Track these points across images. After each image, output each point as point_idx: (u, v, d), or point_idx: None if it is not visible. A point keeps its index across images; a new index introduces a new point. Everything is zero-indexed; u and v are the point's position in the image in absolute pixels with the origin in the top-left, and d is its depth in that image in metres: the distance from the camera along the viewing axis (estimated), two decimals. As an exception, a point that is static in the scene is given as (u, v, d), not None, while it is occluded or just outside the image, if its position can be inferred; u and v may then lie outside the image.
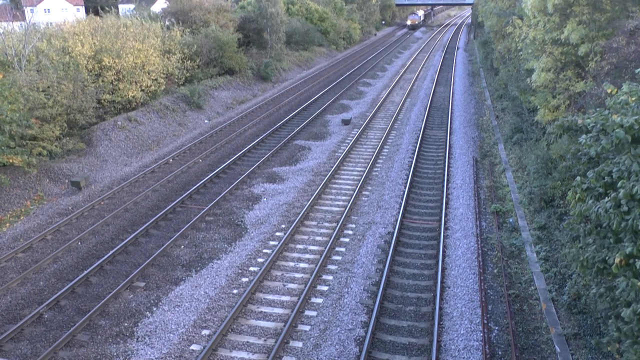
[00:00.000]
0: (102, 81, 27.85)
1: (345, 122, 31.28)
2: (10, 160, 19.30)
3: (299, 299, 13.70)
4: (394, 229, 17.55)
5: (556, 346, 11.69)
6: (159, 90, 31.59)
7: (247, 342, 12.15)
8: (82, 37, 28.46)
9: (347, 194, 20.73)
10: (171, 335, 12.36)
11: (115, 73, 28.54)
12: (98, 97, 26.86)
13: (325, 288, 14.26)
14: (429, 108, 35.34)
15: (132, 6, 58.64)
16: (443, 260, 15.58)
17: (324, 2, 69.50)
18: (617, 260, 7.70)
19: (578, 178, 9.44)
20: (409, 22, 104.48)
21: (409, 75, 49.57)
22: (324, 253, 15.60)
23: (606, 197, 8.28)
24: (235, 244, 16.83)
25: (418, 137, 28.33)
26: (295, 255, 16.05)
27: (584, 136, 8.94)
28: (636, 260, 7.54)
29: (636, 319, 7.33)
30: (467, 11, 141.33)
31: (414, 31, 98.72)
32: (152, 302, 13.67)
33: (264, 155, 25.21)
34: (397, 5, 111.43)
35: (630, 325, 7.58)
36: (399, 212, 18.77)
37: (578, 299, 12.90)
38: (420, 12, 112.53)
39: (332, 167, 23.45)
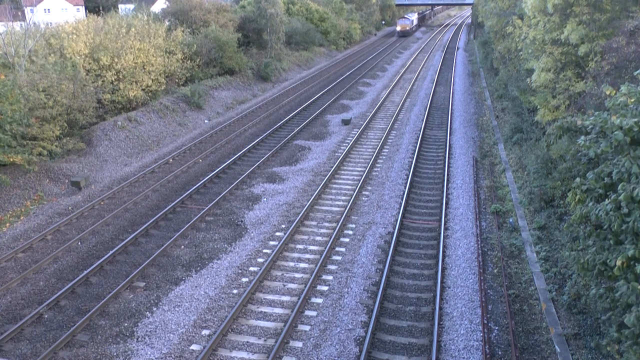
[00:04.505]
0: (103, 81, 27.88)
1: (345, 122, 31.28)
2: (11, 159, 19.31)
3: (299, 299, 13.71)
4: (394, 229, 17.56)
5: (556, 346, 11.70)
6: (159, 90, 31.61)
7: (247, 342, 12.15)
8: (76, 35, 28.38)
9: (347, 194, 20.73)
10: (171, 335, 12.36)
11: (116, 73, 28.56)
12: (98, 97, 26.87)
13: (325, 288, 14.27)
14: (429, 108, 35.34)
15: (132, 6, 58.62)
16: (443, 260, 15.59)
17: (324, 2, 69.50)
18: (618, 262, 7.70)
19: (578, 179, 9.45)
20: (398, 28, 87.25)
21: (409, 75, 49.57)
22: (324, 253, 15.61)
23: (606, 199, 8.28)
24: (235, 244, 16.83)
25: (418, 137, 28.33)
26: (295, 255, 16.05)
27: (582, 138, 8.95)
28: (637, 263, 7.55)
29: (639, 324, 7.33)
30: (467, 11, 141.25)
31: (405, 38, 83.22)
32: (152, 302, 13.68)
33: (264, 155, 25.21)
34: (397, 5, 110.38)
35: (632, 329, 7.59)
36: (399, 212, 18.77)
37: (578, 299, 12.91)
38: (413, 16, 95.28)
39: (332, 167, 23.45)
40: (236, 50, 40.60)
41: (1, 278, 14.86)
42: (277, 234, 17.44)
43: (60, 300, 13.77)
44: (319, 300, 13.71)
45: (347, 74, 49.21)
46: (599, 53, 16.36)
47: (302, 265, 15.49)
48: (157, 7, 64.55)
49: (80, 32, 28.81)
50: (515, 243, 16.52)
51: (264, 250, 16.36)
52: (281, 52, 49.62)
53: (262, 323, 12.84)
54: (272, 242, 16.85)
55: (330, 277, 14.79)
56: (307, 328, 12.61)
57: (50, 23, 35.12)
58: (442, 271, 14.99)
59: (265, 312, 13.26)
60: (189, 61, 35.74)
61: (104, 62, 27.91)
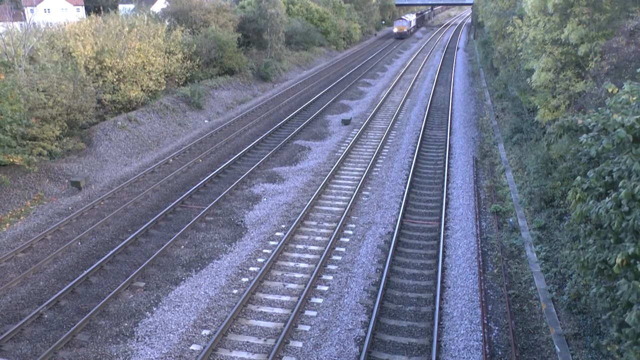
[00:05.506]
0: (103, 81, 27.90)
1: (345, 122, 31.27)
2: (11, 160, 19.31)
3: (299, 299, 13.70)
4: (394, 229, 17.55)
5: (556, 346, 11.69)
6: (159, 90, 31.62)
7: (247, 342, 12.14)
8: (83, 37, 28.48)
9: (347, 194, 20.72)
10: (171, 335, 12.35)
11: (117, 73, 28.57)
12: (99, 97, 26.88)
13: (325, 288, 14.26)
14: (429, 108, 35.33)
15: (132, 6, 58.64)
16: (443, 260, 15.58)
17: (323, 2, 69.50)
18: (618, 260, 7.69)
19: (578, 178, 9.44)
20: (395, 30, 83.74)
21: (409, 75, 49.57)
22: (324, 253, 15.60)
23: (607, 197, 8.27)
24: (235, 244, 16.82)
25: (418, 137, 28.32)
26: (295, 255, 16.05)
27: (584, 135, 8.93)
28: (638, 261, 7.53)
29: None
30: (467, 11, 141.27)
31: (403, 40, 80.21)
32: (152, 302, 13.67)
33: (264, 155, 25.20)
34: (397, 5, 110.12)
35: (633, 328, 7.57)
36: (399, 212, 18.77)
37: (578, 299, 12.90)
38: (411, 17, 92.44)
39: (332, 167, 23.44)
40: (236, 50, 40.61)
41: (1, 278, 14.85)
42: (277, 234, 17.44)
43: (60, 300, 13.76)
44: (319, 300, 13.70)
45: (347, 74, 49.21)
46: (599, 53, 16.36)
47: (302, 265, 15.48)
48: (157, 7, 64.57)
49: (86, 34, 28.84)
50: (515, 243, 16.51)
51: (264, 250, 16.35)
52: (281, 52, 49.61)
53: (262, 323, 12.84)
54: (272, 242, 16.84)
55: (330, 277, 14.78)
56: (307, 328, 12.60)
57: (50, 23, 35.11)
58: (442, 271, 14.98)
59: (265, 312, 13.25)
60: (189, 61, 35.74)
61: (107, 63, 27.96)
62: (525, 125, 25.44)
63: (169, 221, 18.48)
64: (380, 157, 25.42)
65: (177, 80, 34.93)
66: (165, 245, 16.24)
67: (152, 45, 31.49)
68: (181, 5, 42.00)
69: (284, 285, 14.43)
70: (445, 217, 18.42)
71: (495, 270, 15.14)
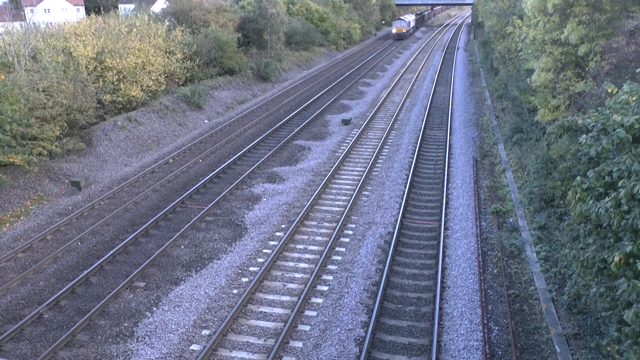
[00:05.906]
0: (104, 81, 27.91)
1: (345, 122, 31.28)
2: (11, 160, 19.32)
3: (299, 299, 13.70)
4: (394, 229, 17.55)
5: (556, 346, 11.69)
6: (159, 90, 31.62)
7: (247, 342, 12.15)
8: (84, 38, 28.51)
9: (347, 194, 20.72)
10: (171, 335, 12.36)
11: (117, 73, 28.58)
12: (99, 97, 26.88)
13: (325, 288, 14.26)
14: (429, 108, 35.34)
15: (132, 6, 58.64)
16: (443, 260, 15.58)
17: (323, 2, 69.51)
18: (616, 258, 7.70)
19: (578, 178, 9.44)
20: (394, 31, 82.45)
21: (409, 75, 49.57)
22: (324, 253, 15.60)
23: (606, 197, 8.27)
24: (235, 244, 16.83)
25: (418, 137, 28.32)
26: (295, 255, 16.05)
27: (584, 136, 8.93)
28: (636, 260, 7.54)
29: (638, 321, 7.32)
30: (467, 11, 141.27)
31: (402, 41, 79.53)
32: (152, 302, 13.67)
33: (264, 155, 25.21)
34: (397, 5, 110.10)
35: (632, 326, 7.58)
36: (399, 212, 18.77)
37: (578, 299, 12.90)
38: (410, 17, 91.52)
39: (332, 167, 23.44)
40: (236, 50, 40.62)
41: (1, 278, 14.85)
42: (277, 234, 17.44)
43: (60, 300, 13.76)
44: (319, 300, 13.71)
45: (347, 74, 49.22)
46: (599, 53, 16.36)
47: (302, 265, 15.48)
48: (157, 7, 64.56)
49: (87, 35, 28.85)
50: (515, 243, 16.51)
51: (264, 250, 16.35)
52: (281, 52, 49.62)
53: (262, 323, 12.84)
54: (272, 242, 16.84)
55: (330, 277, 14.78)
56: (307, 328, 12.61)
57: (51, 23, 35.13)
58: (442, 271, 14.99)
59: (265, 312, 13.25)
60: (189, 61, 35.75)
61: (108, 63, 27.98)
62: (525, 125, 25.45)
63: (169, 221, 18.48)
64: (380, 157, 25.42)
65: (177, 80, 34.94)
66: (165, 245, 16.24)
67: (152, 45, 31.50)
68: (181, 5, 42.00)
69: (284, 285, 14.43)
70: (445, 217, 18.42)
71: (495, 270, 15.14)
